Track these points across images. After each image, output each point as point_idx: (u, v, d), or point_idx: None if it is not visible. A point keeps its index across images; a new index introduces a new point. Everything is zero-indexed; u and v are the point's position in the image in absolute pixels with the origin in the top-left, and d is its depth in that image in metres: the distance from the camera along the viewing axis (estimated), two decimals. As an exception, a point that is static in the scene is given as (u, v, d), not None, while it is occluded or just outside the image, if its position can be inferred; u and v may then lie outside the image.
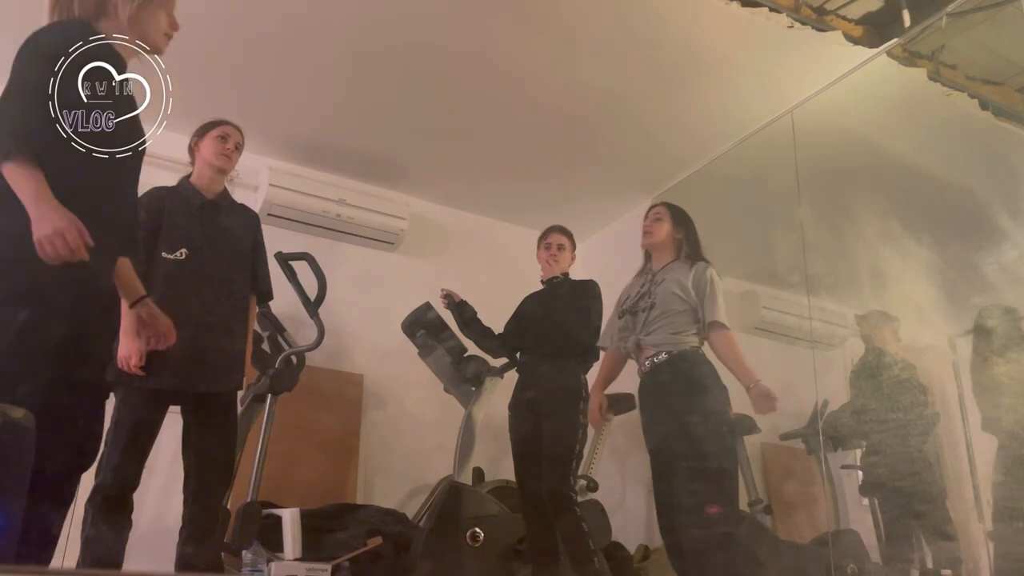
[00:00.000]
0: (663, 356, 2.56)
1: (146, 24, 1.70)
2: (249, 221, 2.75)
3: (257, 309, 2.74)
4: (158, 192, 2.62)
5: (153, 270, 2.41)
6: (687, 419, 2.43)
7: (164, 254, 2.47)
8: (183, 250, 2.49)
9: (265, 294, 2.69)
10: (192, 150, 2.76)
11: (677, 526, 2.41)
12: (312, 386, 3.33)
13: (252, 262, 2.63)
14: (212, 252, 2.53)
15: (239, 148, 2.75)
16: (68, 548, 2.83)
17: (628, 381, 3.80)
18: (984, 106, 3.14)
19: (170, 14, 1.75)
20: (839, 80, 3.09)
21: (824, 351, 4.26)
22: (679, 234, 2.79)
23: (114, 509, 2.24)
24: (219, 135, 2.70)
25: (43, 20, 1.72)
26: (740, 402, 3.71)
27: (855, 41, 2.94)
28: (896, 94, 3.16)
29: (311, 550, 2.78)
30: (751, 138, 3.55)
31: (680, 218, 2.83)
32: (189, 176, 2.73)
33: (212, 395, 2.39)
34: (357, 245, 3.92)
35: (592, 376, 2.95)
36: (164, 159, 3.57)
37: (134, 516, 2.30)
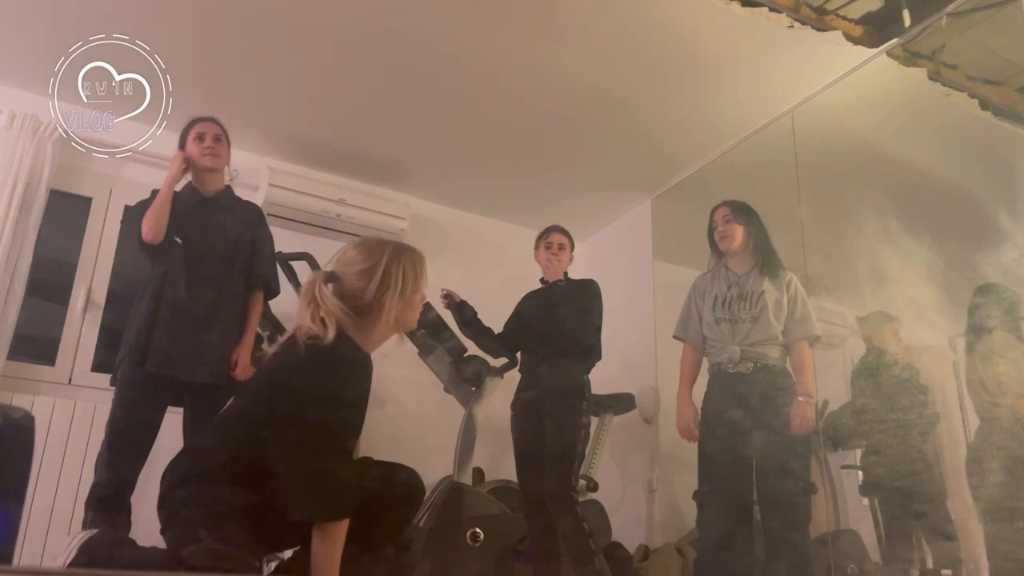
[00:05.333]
0: (749, 367, 2.62)
1: (408, 317, 1.86)
2: (249, 216, 2.77)
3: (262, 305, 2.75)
4: None
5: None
6: (756, 432, 2.52)
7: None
8: (177, 239, 2.55)
9: (269, 287, 2.70)
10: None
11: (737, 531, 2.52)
12: (312, 386, 3.33)
13: (249, 257, 2.64)
14: (206, 242, 2.57)
15: (220, 139, 2.73)
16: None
17: (629, 381, 3.81)
18: (984, 106, 3.14)
19: (422, 292, 1.92)
20: (839, 80, 3.09)
21: (824, 351, 4.26)
22: (752, 236, 2.82)
23: (111, 509, 2.25)
24: (195, 136, 2.71)
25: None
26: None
27: (855, 41, 2.94)
28: (896, 94, 3.16)
29: (311, 550, 2.78)
30: (751, 138, 3.55)
31: (749, 219, 2.85)
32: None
33: (209, 391, 2.41)
34: (357, 245, 3.91)
35: (592, 376, 2.95)
36: (164, 158, 3.58)
37: (135, 516, 2.30)
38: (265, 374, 1.79)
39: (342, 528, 1.58)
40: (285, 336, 1.73)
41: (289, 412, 1.60)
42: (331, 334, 1.65)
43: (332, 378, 1.65)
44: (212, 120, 2.75)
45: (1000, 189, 3.05)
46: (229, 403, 1.84)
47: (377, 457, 1.82)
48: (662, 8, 2.83)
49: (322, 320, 1.67)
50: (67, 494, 2.94)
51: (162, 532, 1.62)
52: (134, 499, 2.33)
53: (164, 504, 1.62)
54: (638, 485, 3.96)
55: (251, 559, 1.54)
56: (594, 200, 4.27)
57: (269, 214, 3.65)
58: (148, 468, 2.35)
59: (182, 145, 2.72)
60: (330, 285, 1.76)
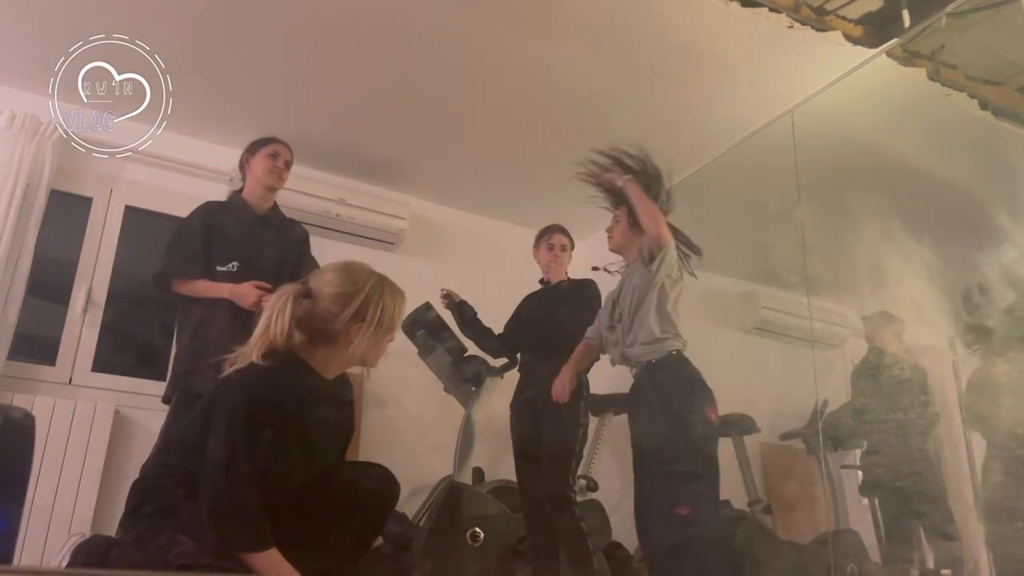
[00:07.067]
0: (642, 366, 2.47)
1: (373, 355, 1.77)
2: (297, 235, 2.88)
3: None
4: (211, 207, 2.77)
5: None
6: (660, 425, 2.37)
7: (218, 267, 2.62)
8: (234, 263, 2.64)
9: None
10: (243, 166, 2.85)
11: (647, 527, 2.37)
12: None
13: (294, 275, 2.67)
14: (261, 266, 2.64)
15: (288, 165, 2.88)
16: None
17: (629, 380, 3.81)
18: (984, 106, 3.14)
19: (392, 335, 1.81)
20: (839, 80, 3.09)
21: (824, 351, 4.26)
22: (638, 232, 2.61)
23: None
24: (270, 153, 2.81)
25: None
26: (740, 403, 3.73)
27: (855, 41, 2.94)
28: (896, 94, 3.16)
29: (311, 550, 2.78)
30: (751, 138, 3.54)
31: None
32: (240, 191, 2.83)
33: None
34: (357, 245, 3.92)
35: (592, 376, 2.95)
36: (163, 158, 3.59)
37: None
38: (211, 392, 1.71)
39: (266, 558, 1.49)
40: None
41: (211, 433, 1.54)
42: (269, 353, 1.59)
43: (256, 399, 1.56)
44: (288, 146, 2.86)
45: (1000, 189, 3.05)
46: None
47: (377, 457, 1.81)
48: (662, 8, 2.83)
49: (273, 337, 1.61)
50: (67, 494, 2.94)
51: (130, 529, 1.57)
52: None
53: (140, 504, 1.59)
54: (638, 485, 3.96)
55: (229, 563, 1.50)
56: (594, 200, 4.26)
57: (269, 214, 3.66)
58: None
59: (250, 154, 2.83)
60: (304, 302, 1.68)
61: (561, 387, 2.67)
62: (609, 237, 2.71)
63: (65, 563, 1.58)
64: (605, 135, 3.63)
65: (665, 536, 2.26)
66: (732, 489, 3.67)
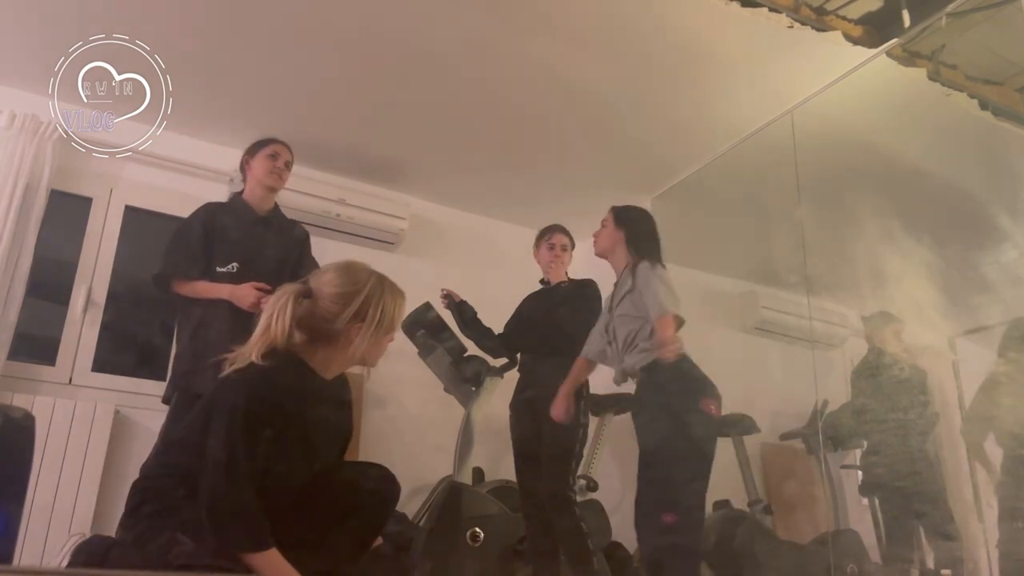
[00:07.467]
0: (639, 373, 2.46)
1: (374, 355, 1.78)
2: (297, 236, 2.88)
3: None
4: (212, 208, 2.78)
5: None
6: (659, 424, 2.35)
7: (217, 268, 2.64)
8: (234, 264, 2.65)
9: None
10: (243, 167, 2.86)
11: (640, 527, 2.36)
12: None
13: (294, 275, 2.67)
14: (261, 266, 2.65)
15: (289, 166, 2.88)
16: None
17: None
18: (984, 106, 3.14)
19: (392, 335, 1.81)
20: (839, 80, 3.09)
21: (824, 351, 4.26)
22: (620, 234, 2.60)
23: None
24: (269, 154, 2.83)
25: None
26: (740, 402, 3.72)
27: (855, 41, 2.94)
28: (896, 94, 3.16)
29: (311, 550, 2.78)
30: (751, 138, 3.54)
31: (623, 217, 2.64)
32: (240, 192, 2.84)
33: None
34: (357, 245, 3.92)
35: (592, 376, 2.95)
36: (163, 159, 3.59)
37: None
38: (211, 392, 1.71)
39: (266, 558, 1.49)
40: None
41: (211, 433, 1.54)
42: (269, 353, 1.59)
43: (256, 399, 1.56)
44: (288, 146, 2.88)
45: (1000, 189, 3.05)
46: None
47: (377, 457, 1.81)
48: (662, 8, 2.82)
49: (273, 337, 1.61)
50: (67, 494, 2.94)
51: (131, 529, 1.57)
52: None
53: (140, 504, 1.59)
54: (638, 485, 3.96)
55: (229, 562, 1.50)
56: (594, 200, 4.25)
57: (269, 214, 3.66)
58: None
59: (250, 156, 2.85)
60: (304, 302, 1.69)
61: (561, 410, 2.67)
62: (595, 242, 2.73)
63: (65, 563, 1.58)
64: (606, 135, 3.66)
65: (656, 536, 2.26)
66: (732, 489, 3.67)
